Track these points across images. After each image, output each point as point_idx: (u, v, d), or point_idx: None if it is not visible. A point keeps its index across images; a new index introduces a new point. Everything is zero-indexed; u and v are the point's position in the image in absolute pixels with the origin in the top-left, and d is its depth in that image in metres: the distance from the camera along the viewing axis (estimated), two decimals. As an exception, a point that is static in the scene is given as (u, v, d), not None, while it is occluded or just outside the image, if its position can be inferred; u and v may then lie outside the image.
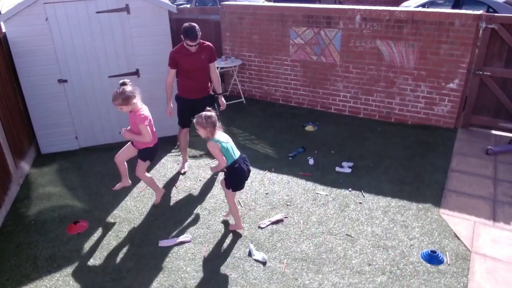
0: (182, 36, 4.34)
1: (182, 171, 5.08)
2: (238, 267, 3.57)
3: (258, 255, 3.65)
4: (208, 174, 5.04)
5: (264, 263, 3.59)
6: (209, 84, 4.77)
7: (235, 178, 3.78)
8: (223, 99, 4.88)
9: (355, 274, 3.46)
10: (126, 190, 4.74)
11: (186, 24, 4.31)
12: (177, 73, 4.62)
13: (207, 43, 4.59)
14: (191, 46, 4.34)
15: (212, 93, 4.82)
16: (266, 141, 5.82)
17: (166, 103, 4.77)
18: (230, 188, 3.81)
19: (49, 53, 5.12)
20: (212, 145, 3.64)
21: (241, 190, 4.65)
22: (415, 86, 6.00)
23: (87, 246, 3.89)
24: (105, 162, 5.37)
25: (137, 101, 3.90)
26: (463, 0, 9.96)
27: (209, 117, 3.62)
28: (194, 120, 3.64)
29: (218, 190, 4.70)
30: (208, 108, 3.71)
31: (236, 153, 3.76)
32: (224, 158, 3.65)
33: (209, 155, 5.41)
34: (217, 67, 6.82)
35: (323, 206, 4.36)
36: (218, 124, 3.68)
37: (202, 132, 3.65)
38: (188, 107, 4.68)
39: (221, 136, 3.70)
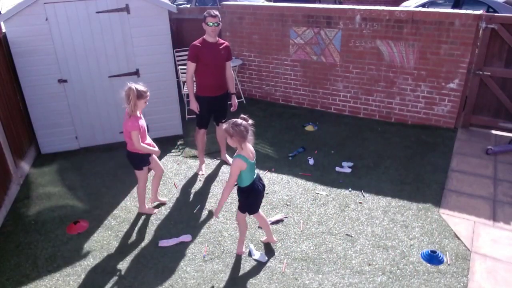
0: (203, 22, 4.43)
1: (200, 173, 5.02)
2: (238, 267, 3.57)
3: (258, 254, 3.65)
4: (207, 173, 5.04)
5: (264, 263, 3.58)
6: (226, 82, 4.77)
7: (251, 199, 3.44)
8: (235, 99, 4.87)
9: (355, 274, 3.46)
10: (126, 190, 4.74)
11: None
12: (196, 69, 4.56)
13: (226, 42, 4.65)
14: (212, 24, 4.37)
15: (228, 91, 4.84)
16: (266, 141, 5.82)
17: (190, 100, 4.65)
18: (245, 212, 3.52)
19: (49, 53, 5.12)
20: (237, 163, 3.19)
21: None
22: (415, 86, 6.00)
23: (87, 246, 3.89)
24: (105, 162, 5.37)
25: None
26: (463, 0, 9.96)
27: (237, 124, 3.14)
28: (224, 127, 3.21)
29: (218, 190, 4.70)
30: (243, 116, 3.24)
31: (255, 172, 3.38)
32: (235, 179, 3.28)
33: (209, 155, 5.42)
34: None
35: (323, 206, 4.36)
36: (249, 134, 3.19)
37: (229, 141, 3.22)
38: (206, 106, 4.69)
39: (248, 152, 3.25)
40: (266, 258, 3.62)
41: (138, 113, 3.77)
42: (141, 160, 3.97)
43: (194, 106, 4.66)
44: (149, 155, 4.02)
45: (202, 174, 5.02)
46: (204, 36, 4.53)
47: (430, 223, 4.03)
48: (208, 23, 4.40)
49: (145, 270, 3.57)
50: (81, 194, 4.70)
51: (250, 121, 3.23)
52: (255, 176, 3.37)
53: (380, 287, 3.33)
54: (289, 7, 6.54)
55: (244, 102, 7.26)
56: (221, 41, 4.64)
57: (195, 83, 4.74)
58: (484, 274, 3.41)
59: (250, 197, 3.42)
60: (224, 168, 5.14)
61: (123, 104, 3.75)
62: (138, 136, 3.75)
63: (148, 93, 3.78)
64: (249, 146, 3.27)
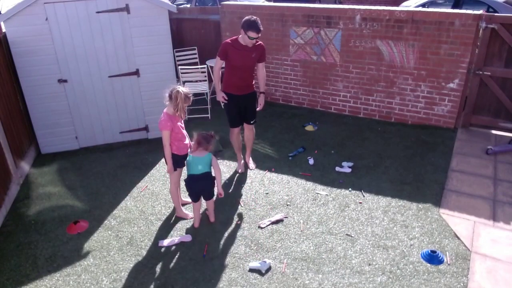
0: (243, 29, 4.29)
1: (240, 171, 5.04)
2: (238, 267, 3.57)
3: (257, 264, 3.57)
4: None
5: (268, 268, 3.55)
6: (253, 81, 4.71)
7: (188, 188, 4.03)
8: (263, 99, 4.79)
9: (355, 274, 3.46)
10: (126, 190, 4.74)
11: (248, 17, 4.29)
12: (224, 67, 4.57)
13: (260, 42, 4.54)
14: (252, 38, 4.29)
15: (256, 91, 4.78)
16: (266, 141, 5.82)
17: (216, 92, 4.67)
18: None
19: (49, 53, 5.12)
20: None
21: (241, 191, 4.66)
22: (415, 86, 6.00)
23: (87, 246, 3.89)
24: (105, 162, 5.37)
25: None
26: (463, 0, 9.95)
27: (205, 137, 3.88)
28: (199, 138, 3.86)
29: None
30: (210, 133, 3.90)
31: (198, 170, 3.88)
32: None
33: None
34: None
35: (323, 206, 4.36)
36: (206, 145, 3.87)
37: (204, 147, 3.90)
38: (234, 104, 4.67)
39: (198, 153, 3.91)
40: (270, 262, 3.59)
41: (181, 115, 3.83)
42: (174, 161, 3.96)
43: (220, 96, 4.63)
44: (184, 157, 4.03)
45: (242, 172, 5.04)
46: (238, 37, 4.43)
47: (430, 223, 4.03)
48: (250, 36, 4.28)
49: (145, 270, 3.57)
50: (81, 194, 4.70)
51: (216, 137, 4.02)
52: (194, 173, 3.91)
53: (380, 287, 3.33)
54: (289, 7, 6.54)
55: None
56: (258, 42, 4.49)
57: (223, 79, 4.72)
58: (484, 274, 3.41)
59: (187, 186, 3.99)
60: (226, 168, 5.14)
61: (165, 102, 3.80)
62: (168, 136, 3.79)
63: (191, 98, 3.84)
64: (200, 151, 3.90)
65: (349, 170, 4.98)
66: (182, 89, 3.70)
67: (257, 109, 4.81)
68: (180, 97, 3.66)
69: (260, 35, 4.32)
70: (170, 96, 3.71)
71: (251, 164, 5.18)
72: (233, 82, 4.59)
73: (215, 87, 4.70)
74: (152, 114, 5.79)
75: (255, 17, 4.30)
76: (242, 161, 5.15)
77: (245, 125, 4.89)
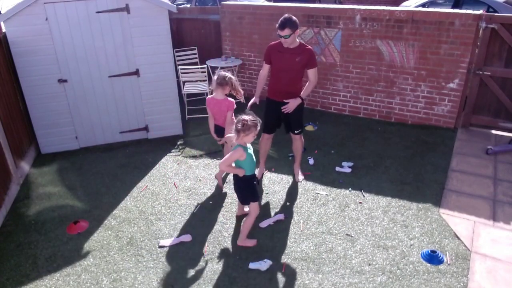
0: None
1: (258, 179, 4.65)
2: (238, 267, 3.57)
3: (256, 264, 3.58)
4: (208, 174, 5.04)
5: (268, 268, 3.55)
6: (298, 90, 4.35)
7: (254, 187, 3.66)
8: (295, 101, 4.26)
9: (355, 274, 3.46)
10: (126, 190, 4.74)
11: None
12: (270, 70, 4.46)
13: (308, 47, 4.25)
14: (281, 37, 4.08)
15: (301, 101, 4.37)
16: (266, 141, 5.81)
17: (255, 96, 4.57)
18: (256, 201, 3.72)
19: (49, 53, 5.12)
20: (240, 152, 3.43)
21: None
22: (415, 86, 6.00)
23: (87, 246, 3.89)
24: (105, 162, 5.37)
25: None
26: (463, 0, 9.95)
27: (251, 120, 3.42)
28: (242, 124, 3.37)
29: (218, 190, 4.70)
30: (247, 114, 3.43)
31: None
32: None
33: (209, 154, 5.42)
34: (217, 67, 6.87)
35: (323, 206, 4.36)
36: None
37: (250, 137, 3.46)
38: (273, 110, 4.47)
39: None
40: (270, 262, 3.59)
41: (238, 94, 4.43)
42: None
43: (253, 101, 4.51)
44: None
45: (258, 179, 4.69)
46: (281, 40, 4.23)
47: (430, 223, 4.03)
48: (278, 34, 4.12)
49: (145, 270, 3.57)
50: (81, 194, 4.71)
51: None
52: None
53: (380, 287, 3.33)
54: (289, 7, 6.55)
55: (244, 102, 7.25)
56: (304, 46, 4.23)
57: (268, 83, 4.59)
58: (484, 274, 3.41)
59: (252, 184, 3.65)
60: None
61: (212, 87, 4.40)
62: (233, 115, 4.30)
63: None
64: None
65: (349, 170, 4.98)
66: (230, 75, 4.30)
67: (282, 108, 4.30)
68: (230, 82, 4.28)
69: (287, 32, 4.00)
70: (221, 84, 4.26)
71: (300, 176, 4.83)
72: (275, 87, 4.41)
73: (256, 92, 4.59)
74: (152, 114, 5.79)
75: (290, 15, 4.07)
76: (265, 170, 4.96)
77: (291, 135, 4.63)
